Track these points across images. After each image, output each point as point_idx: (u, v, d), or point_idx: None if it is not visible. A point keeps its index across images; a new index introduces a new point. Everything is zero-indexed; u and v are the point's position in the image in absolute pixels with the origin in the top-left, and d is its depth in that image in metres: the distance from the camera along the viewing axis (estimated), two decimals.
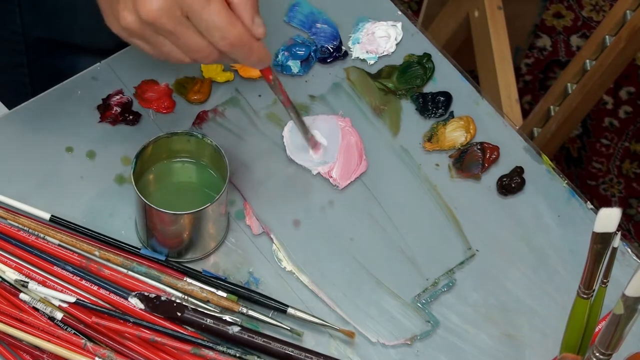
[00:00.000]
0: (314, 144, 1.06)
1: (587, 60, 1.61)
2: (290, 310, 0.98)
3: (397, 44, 1.14)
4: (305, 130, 1.04)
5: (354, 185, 1.06)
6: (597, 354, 0.81)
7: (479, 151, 1.08)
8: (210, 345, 0.95)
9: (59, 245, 0.99)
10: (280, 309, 0.98)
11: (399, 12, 1.16)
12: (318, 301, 1.00)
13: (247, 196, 1.05)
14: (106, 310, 0.96)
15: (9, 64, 1.38)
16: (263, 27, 0.89)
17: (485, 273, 1.03)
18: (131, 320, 0.95)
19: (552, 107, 1.70)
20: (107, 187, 1.04)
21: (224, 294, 0.98)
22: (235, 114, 1.09)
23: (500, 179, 1.07)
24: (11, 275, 0.97)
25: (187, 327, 0.97)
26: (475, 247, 1.04)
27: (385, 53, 1.13)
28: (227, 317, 0.97)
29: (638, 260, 1.04)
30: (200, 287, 0.98)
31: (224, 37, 0.87)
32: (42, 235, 0.99)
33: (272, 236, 1.03)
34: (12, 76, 1.40)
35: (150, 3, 0.85)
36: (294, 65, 1.12)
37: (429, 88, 1.12)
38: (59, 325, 0.96)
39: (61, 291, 0.97)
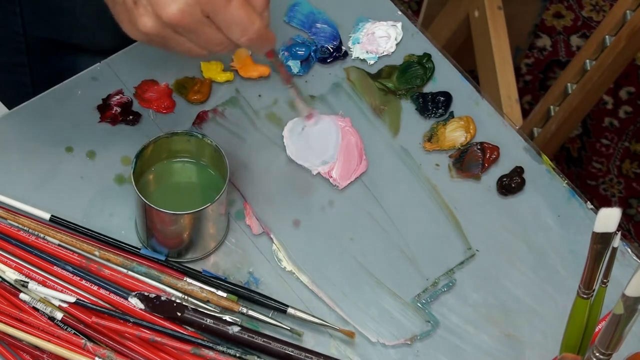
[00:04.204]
0: (309, 116, 1.03)
1: (587, 60, 1.61)
2: (290, 310, 0.98)
3: (397, 44, 1.14)
4: (305, 108, 1.02)
5: (354, 185, 1.06)
6: (597, 354, 0.81)
7: (479, 151, 1.08)
8: (210, 345, 0.95)
9: (59, 245, 0.99)
10: (280, 309, 0.98)
11: (399, 12, 1.15)
12: (318, 301, 1.00)
13: (247, 196, 1.05)
14: (106, 310, 0.95)
15: (10, 63, 1.38)
16: (268, 11, 0.91)
17: (485, 273, 1.03)
18: (131, 320, 0.95)
19: (552, 107, 1.70)
20: (107, 187, 1.04)
21: (224, 294, 0.98)
22: (235, 114, 1.09)
23: (500, 179, 1.07)
24: (11, 275, 0.97)
25: (187, 327, 0.97)
26: (475, 247, 1.04)
27: (385, 53, 1.13)
28: (227, 317, 0.97)
29: (638, 260, 1.04)
30: (200, 287, 0.98)
31: (244, 34, 0.88)
32: (42, 235, 0.99)
33: (272, 236, 1.03)
34: (13, 76, 1.40)
35: (170, 6, 0.85)
36: (294, 65, 1.11)
37: (429, 88, 1.12)
38: (59, 325, 0.96)
39: (61, 291, 0.97)
